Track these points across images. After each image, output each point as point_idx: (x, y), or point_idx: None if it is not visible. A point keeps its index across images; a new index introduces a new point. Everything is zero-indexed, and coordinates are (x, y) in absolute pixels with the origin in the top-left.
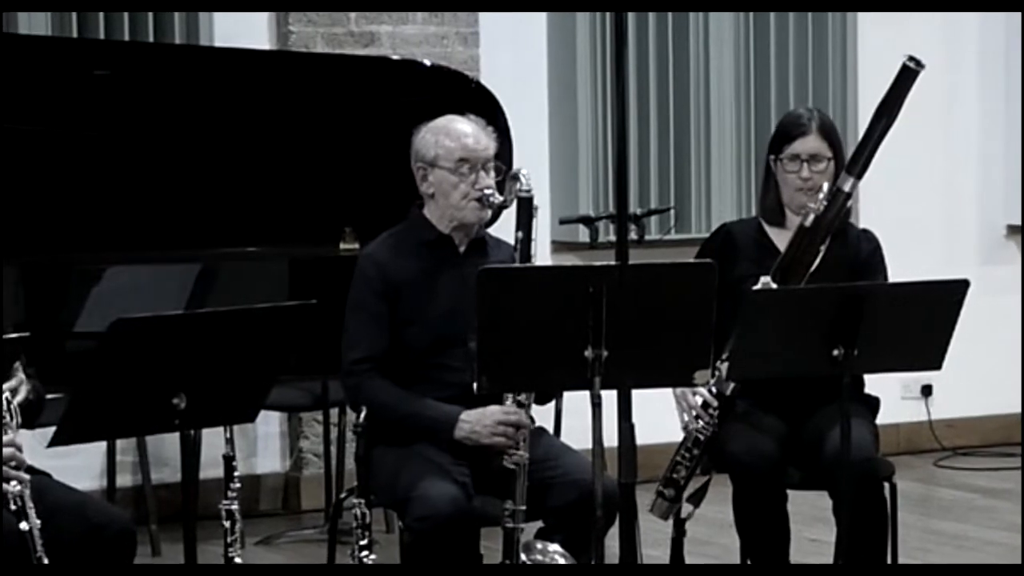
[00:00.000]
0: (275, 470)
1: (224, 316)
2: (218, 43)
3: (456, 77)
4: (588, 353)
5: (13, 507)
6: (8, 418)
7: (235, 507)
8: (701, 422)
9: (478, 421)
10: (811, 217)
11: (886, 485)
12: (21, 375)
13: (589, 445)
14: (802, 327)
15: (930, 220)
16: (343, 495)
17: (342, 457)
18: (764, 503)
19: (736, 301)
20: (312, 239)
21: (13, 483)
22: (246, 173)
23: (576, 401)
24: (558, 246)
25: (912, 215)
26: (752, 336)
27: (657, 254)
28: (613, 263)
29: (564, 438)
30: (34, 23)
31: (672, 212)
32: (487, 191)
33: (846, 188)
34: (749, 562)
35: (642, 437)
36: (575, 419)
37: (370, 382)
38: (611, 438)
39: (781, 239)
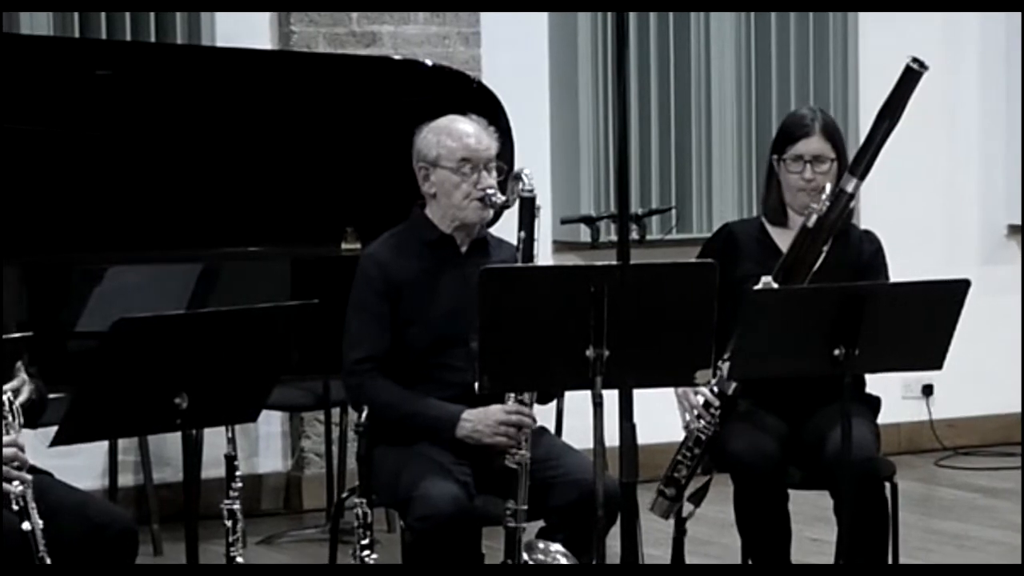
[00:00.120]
0: (277, 470)
1: (226, 316)
2: (220, 43)
3: (458, 77)
4: (589, 353)
5: (15, 507)
6: (10, 418)
7: (237, 507)
8: (703, 421)
9: (480, 420)
10: (814, 218)
11: (887, 485)
12: (23, 375)
13: (590, 445)
14: (803, 327)
15: (931, 220)
16: (345, 495)
17: (344, 457)
18: (765, 503)
19: (738, 301)
20: (314, 239)
21: (15, 483)
22: (248, 173)
23: (577, 401)
24: (559, 246)
25: (913, 215)
26: (753, 336)
27: (658, 254)
28: (614, 263)
29: (565, 438)
30: (36, 23)
31: (673, 212)
32: (489, 191)
33: (849, 189)
34: (750, 562)
35: (643, 437)
36: (576, 419)
37: (372, 382)
38: (612, 438)
39: (783, 239)
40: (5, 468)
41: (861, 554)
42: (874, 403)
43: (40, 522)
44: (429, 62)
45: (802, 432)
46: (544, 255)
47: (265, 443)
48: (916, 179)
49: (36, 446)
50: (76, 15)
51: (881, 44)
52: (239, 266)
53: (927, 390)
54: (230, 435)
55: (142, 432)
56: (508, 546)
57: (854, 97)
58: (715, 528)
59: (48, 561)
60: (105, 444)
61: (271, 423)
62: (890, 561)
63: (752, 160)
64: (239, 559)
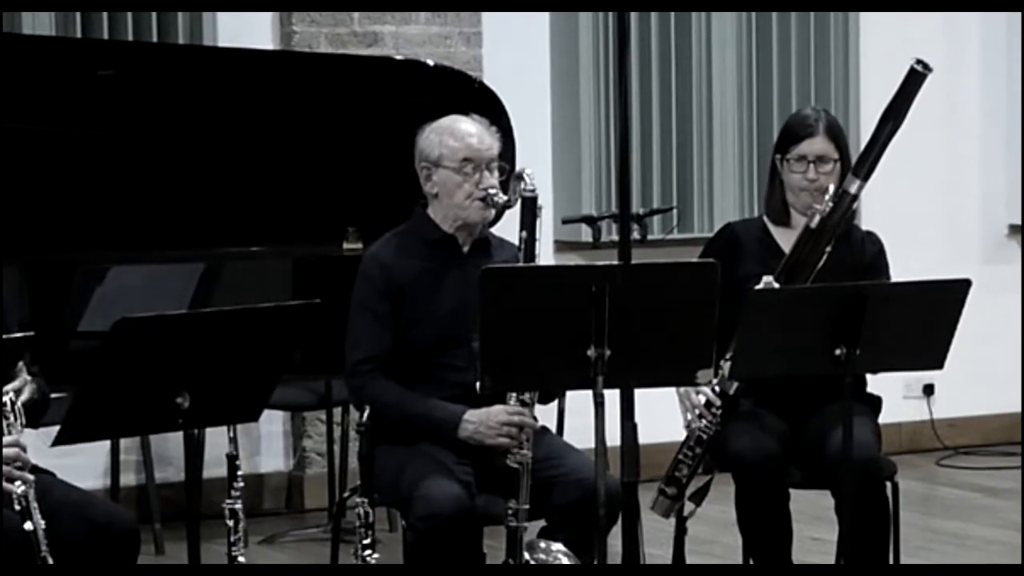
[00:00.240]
0: (278, 469)
1: (228, 315)
2: (221, 43)
3: (459, 77)
4: (591, 352)
5: (17, 507)
6: (12, 418)
7: (238, 506)
8: (704, 421)
9: (482, 422)
10: (817, 218)
11: (888, 484)
12: (25, 375)
13: (592, 444)
14: (804, 326)
15: (932, 219)
16: (346, 494)
17: (345, 456)
18: (766, 502)
19: (740, 301)
20: (316, 239)
21: (17, 483)
22: (249, 173)
23: (579, 400)
24: (561, 246)
25: (914, 214)
26: (754, 335)
27: (659, 254)
28: (616, 263)
29: (567, 437)
30: (38, 23)
31: (674, 212)
32: (491, 191)
33: (852, 190)
34: (751, 561)
35: (645, 436)
36: (578, 418)
37: (373, 382)
38: (614, 437)
39: (785, 239)
40: (7, 468)
41: (862, 553)
42: (875, 403)
43: (42, 522)
44: (431, 62)
45: (803, 432)
46: (545, 255)
47: (267, 443)
48: (917, 179)
49: (38, 446)
50: (78, 15)
51: (882, 44)
52: (241, 266)
53: (928, 390)
54: (232, 435)
55: (144, 432)
56: (509, 546)
57: (855, 97)
58: (716, 527)
59: (50, 561)
60: (107, 444)
61: (273, 423)
62: (891, 561)
63: (753, 160)
64: (241, 559)
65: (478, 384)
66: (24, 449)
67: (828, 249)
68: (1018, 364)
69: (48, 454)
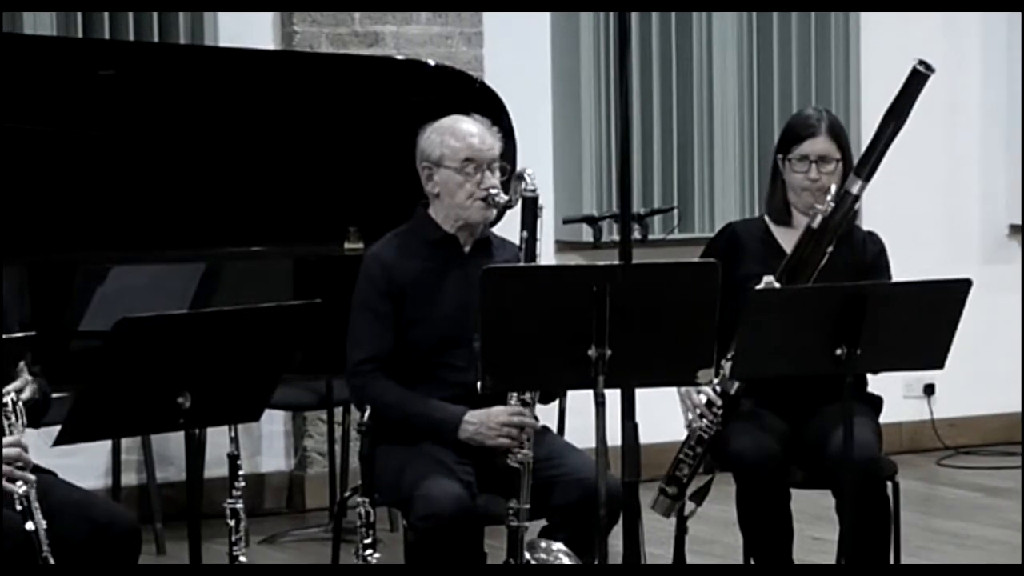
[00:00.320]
0: (279, 469)
1: (229, 315)
2: (222, 43)
3: (460, 77)
4: (592, 352)
5: (19, 507)
6: (14, 418)
7: (239, 506)
8: (705, 421)
9: (483, 422)
10: (818, 219)
11: (888, 484)
12: (26, 374)
13: (593, 444)
14: (805, 326)
15: (932, 219)
16: (347, 494)
17: (346, 456)
18: (767, 502)
19: (741, 300)
20: (317, 239)
21: (19, 483)
22: (251, 173)
23: (580, 400)
24: (562, 246)
25: (914, 214)
26: (755, 335)
27: (660, 253)
28: (617, 263)
29: (568, 437)
30: (39, 23)
31: (675, 212)
32: (492, 191)
33: (854, 190)
34: (752, 561)
35: (646, 436)
36: (579, 418)
37: (375, 382)
38: (615, 437)
39: (787, 239)
40: (8, 468)
41: (863, 553)
42: (876, 402)
43: (43, 522)
44: (432, 62)
45: (804, 431)
46: (546, 255)
47: (268, 442)
48: (917, 178)
49: (39, 446)
50: (79, 15)
51: (882, 44)
52: (242, 266)
53: (928, 389)
54: (233, 434)
55: (145, 431)
56: (510, 545)
57: (855, 97)
58: (717, 527)
59: (51, 561)
60: (108, 443)
61: (274, 422)
62: (891, 560)
63: (754, 160)
64: (242, 558)
65: (479, 384)
66: (25, 449)
67: (830, 249)
68: (1018, 364)
69: (49, 454)
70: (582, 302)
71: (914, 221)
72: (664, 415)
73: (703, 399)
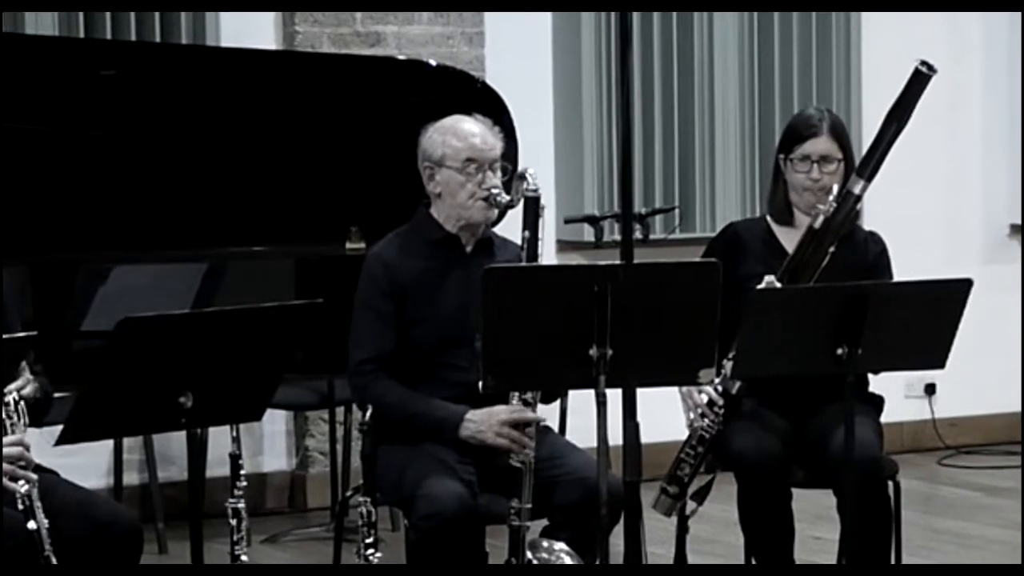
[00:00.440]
0: (281, 468)
1: (230, 315)
2: (224, 43)
3: (462, 77)
4: (593, 352)
5: (21, 506)
6: (15, 417)
7: (241, 505)
8: (706, 420)
9: (483, 421)
10: (820, 219)
11: (890, 483)
12: (28, 374)
13: (594, 444)
14: (806, 326)
15: (933, 219)
16: (349, 493)
17: (348, 455)
18: (768, 501)
19: (742, 300)
20: (318, 238)
21: (21, 482)
22: (252, 173)
23: (581, 400)
24: (563, 245)
25: (915, 214)
26: (756, 335)
27: (662, 253)
28: (618, 262)
29: (569, 437)
30: (41, 23)
31: (676, 211)
32: (494, 191)
33: (856, 190)
34: (753, 560)
35: (647, 436)
36: (580, 418)
37: (376, 382)
38: (616, 437)
39: (788, 239)
40: (10, 467)
41: (864, 553)
42: (877, 402)
43: (45, 521)
44: (433, 62)
45: (805, 431)
46: (548, 255)
47: (269, 442)
48: (918, 178)
49: (41, 445)
50: (81, 15)
51: (884, 44)
52: (244, 265)
53: (930, 389)
54: (234, 434)
55: (147, 431)
56: (512, 545)
57: (856, 97)
58: (718, 526)
59: (53, 560)
60: (110, 443)
61: (275, 422)
62: (892, 560)
63: (755, 160)
64: (243, 558)
65: (480, 384)
66: (27, 448)
67: (832, 249)
68: (1019, 364)
69: (51, 453)
70: (584, 302)
71: (915, 221)
72: (665, 415)
73: (704, 399)
